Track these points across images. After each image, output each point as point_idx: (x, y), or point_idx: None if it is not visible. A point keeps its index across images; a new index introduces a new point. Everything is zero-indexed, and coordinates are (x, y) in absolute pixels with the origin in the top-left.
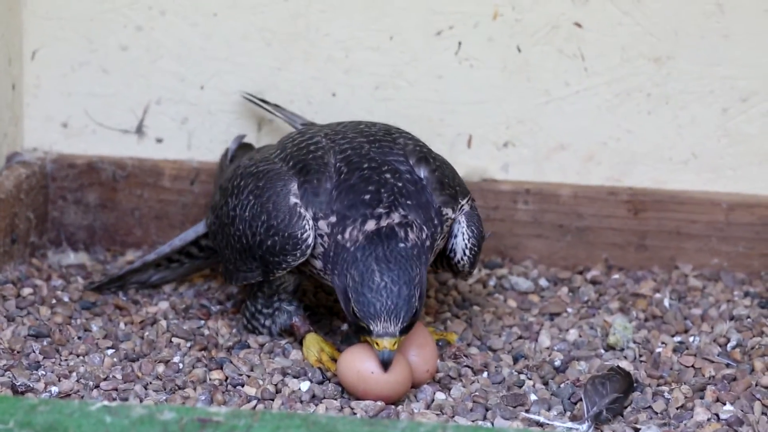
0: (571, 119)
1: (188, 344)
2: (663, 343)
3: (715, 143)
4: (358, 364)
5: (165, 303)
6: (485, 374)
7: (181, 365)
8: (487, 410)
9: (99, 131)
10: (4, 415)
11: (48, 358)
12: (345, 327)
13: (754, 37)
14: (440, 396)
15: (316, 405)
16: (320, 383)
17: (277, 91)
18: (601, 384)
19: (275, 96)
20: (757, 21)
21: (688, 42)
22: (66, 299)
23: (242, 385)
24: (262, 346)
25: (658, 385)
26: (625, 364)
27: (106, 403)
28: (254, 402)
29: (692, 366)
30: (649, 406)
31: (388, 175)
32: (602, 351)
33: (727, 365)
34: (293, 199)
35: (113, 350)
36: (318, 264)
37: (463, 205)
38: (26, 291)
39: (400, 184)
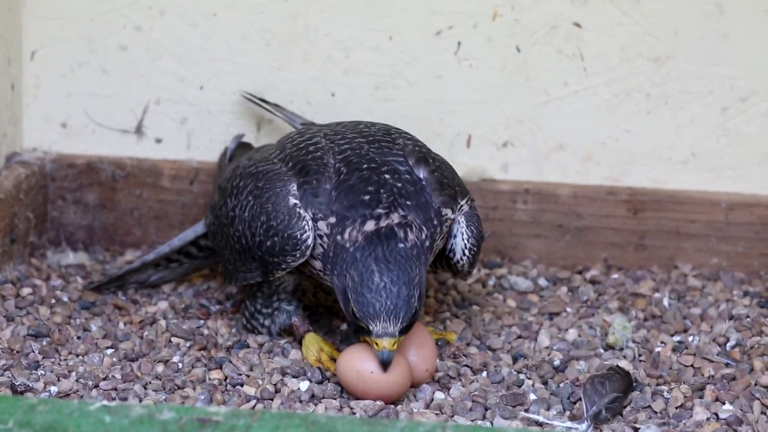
0: (571, 119)
1: (187, 344)
2: (662, 342)
3: (715, 143)
4: (358, 363)
5: (164, 303)
6: (484, 374)
7: (180, 365)
8: (486, 410)
9: (98, 131)
10: (3, 415)
11: (47, 357)
12: (344, 327)
13: (754, 37)
14: (439, 395)
15: (316, 405)
16: (319, 383)
17: (277, 91)
18: (601, 383)
19: (275, 96)
20: (757, 21)
21: (687, 42)
22: (65, 299)
23: (241, 385)
24: (261, 345)
25: (658, 385)
26: (624, 364)
27: (105, 402)
28: (253, 402)
29: (691, 365)
30: (649, 406)
31: (387, 176)
32: (601, 350)
33: (727, 365)
34: (293, 200)
35: (112, 350)
36: (317, 264)
37: (462, 205)
38: (25, 291)
39: (399, 185)
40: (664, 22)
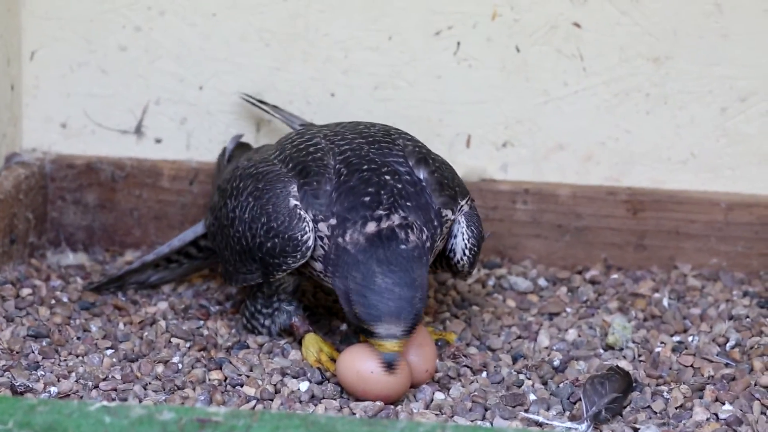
0: (570, 119)
1: (187, 344)
2: (662, 342)
3: (714, 143)
4: (358, 364)
5: (164, 303)
6: (484, 374)
7: (180, 365)
8: (486, 410)
9: (98, 132)
10: (3, 416)
11: (47, 358)
12: (344, 327)
13: (753, 37)
14: (439, 396)
15: (315, 405)
16: (319, 383)
17: (276, 92)
18: (600, 384)
19: (274, 96)
20: (756, 21)
21: (686, 42)
22: (65, 299)
23: (241, 386)
24: (261, 346)
25: (657, 385)
26: (624, 364)
27: (105, 403)
28: (253, 402)
29: (691, 366)
30: (648, 406)
31: (387, 177)
32: (601, 351)
33: (726, 365)
34: (293, 201)
35: (112, 350)
36: (318, 266)
37: (462, 206)
38: (25, 291)
39: (399, 186)
40: (663, 22)
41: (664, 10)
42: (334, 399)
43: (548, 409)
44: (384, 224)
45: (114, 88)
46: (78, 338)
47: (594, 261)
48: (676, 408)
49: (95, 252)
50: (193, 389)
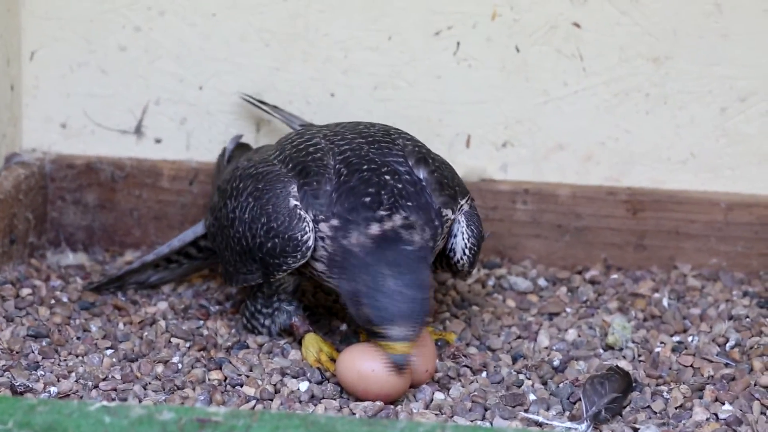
0: (570, 119)
1: (187, 344)
2: (662, 342)
3: (714, 143)
4: (358, 363)
5: (164, 303)
6: (484, 374)
7: (180, 365)
8: (486, 410)
9: (98, 132)
10: (3, 416)
11: (47, 358)
12: (344, 327)
13: (753, 37)
14: (439, 396)
15: (315, 405)
16: (319, 383)
17: (276, 92)
18: (600, 384)
19: (274, 96)
20: (756, 21)
21: (686, 42)
22: (65, 300)
23: (241, 385)
24: (261, 346)
25: (657, 385)
26: (623, 364)
27: (105, 403)
28: (253, 402)
29: (691, 366)
30: (648, 406)
31: (387, 177)
32: (601, 351)
33: (726, 365)
34: (293, 201)
35: (112, 350)
36: (319, 266)
37: (462, 205)
38: (25, 291)
39: (399, 186)
40: (663, 22)
41: (664, 10)
42: (334, 399)
43: (548, 409)
44: (387, 225)
45: (114, 88)
46: (78, 338)
47: (594, 261)
48: (676, 408)
49: (95, 252)
50: (193, 389)
